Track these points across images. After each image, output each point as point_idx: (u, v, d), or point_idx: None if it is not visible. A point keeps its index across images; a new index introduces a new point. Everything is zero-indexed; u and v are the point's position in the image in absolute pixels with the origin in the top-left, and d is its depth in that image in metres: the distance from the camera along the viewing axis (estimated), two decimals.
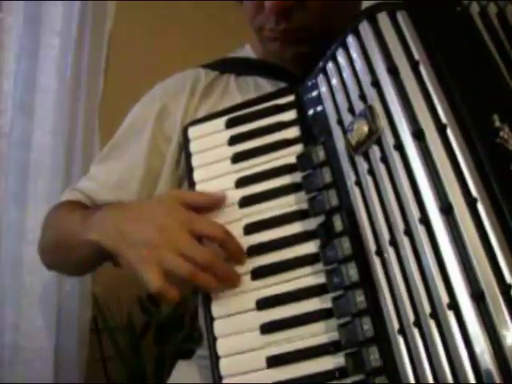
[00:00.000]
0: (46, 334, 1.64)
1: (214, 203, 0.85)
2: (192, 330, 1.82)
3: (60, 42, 1.71)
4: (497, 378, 0.57)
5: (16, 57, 1.68)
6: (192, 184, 0.89)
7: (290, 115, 0.88)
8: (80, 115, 1.75)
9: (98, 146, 1.75)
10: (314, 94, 0.85)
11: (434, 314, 0.62)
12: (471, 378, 0.59)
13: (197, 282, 0.77)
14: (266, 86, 1.03)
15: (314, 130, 0.84)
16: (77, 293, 1.70)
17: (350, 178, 0.75)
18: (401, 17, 0.74)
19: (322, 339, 0.74)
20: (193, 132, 0.93)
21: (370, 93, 0.73)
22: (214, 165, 0.89)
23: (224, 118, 0.92)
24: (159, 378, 1.77)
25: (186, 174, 0.92)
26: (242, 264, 0.80)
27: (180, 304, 1.86)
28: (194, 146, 0.92)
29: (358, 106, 0.75)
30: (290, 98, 0.89)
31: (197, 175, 0.90)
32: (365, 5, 0.88)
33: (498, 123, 0.64)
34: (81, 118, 1.75)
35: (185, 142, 0.93)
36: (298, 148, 0.85)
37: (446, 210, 0.63)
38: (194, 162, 0.91)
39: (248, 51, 1.11)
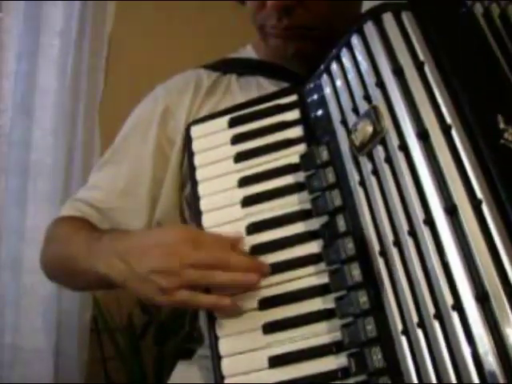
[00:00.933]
0: (45, 334, 1.65)
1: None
2: (192, 330, 1.82)
3: (60, 42, 1.72)
4: (501, 378, 0.57)
5: (16, 57, 1.69)
6: (194, 183, 0.89)
7: (293, 115, 0.88)
8: (80, 115, 1.75)
9: (98, 146, 1.75)
10: (318, 93, 0.85)
11: (438, 315, 0.62)
12: (475, 378, 0.58)
13: (222, 282, 0.76)
14: (268, 86, 1.02)
15: (317, 130, 0.84)
16: (77, 293, 1.70)
17: (354, 178, 0.74)
18: (406, 17, 0.74)
19: (325, 339, 0.74)
20: (195, 131, 0.93)
21: (375, 93, 0.73)
22: (217, 164, 0.89)
23: (227, 117, 0.91)
24: (159, 378, 1.77)
25: (188, 172, 0.92)
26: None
27: None
28: (196, 145, 0.92)
29: (363, 106, 0.75)
30: (293, 98, 0.89)
31: (199, 174, 0.89)
32: (367, 5, 0.88)
33: (502, 124, 0.64)
34: (81, 118, 1.75)
35: (187, 140, 0.93)
36: (301, 148, 0.85)
37: (451, 210, 0.63)
38: (197, 160, 0.90)
39: (250, 51, 1.11)
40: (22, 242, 1.62)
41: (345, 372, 0.71)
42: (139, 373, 1.79)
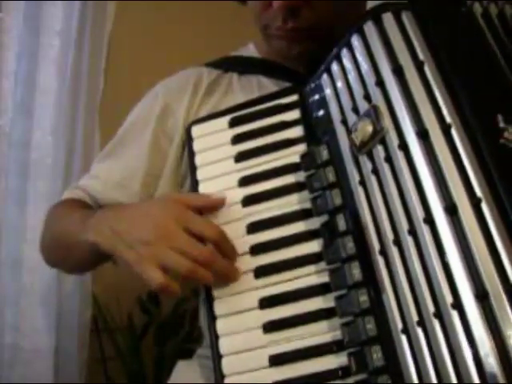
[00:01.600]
0: (46, 334, 1.64)
1: (214, 204, 0.85)
2: (192, 330, 1.83)
3: (60, 42, 1.72)
4: (501, 377, 0.57)
5: (16, 57, 1.69)
6: (195, 183, 0.89)
7: (294, 115, 0.88)
8: (80, 115, 1.75)
9: (98, 146, 1.75)
10: (318, 93, 0.85)
11: (438, 314, 0.62)
12: (475, 378, 0.59)
13: (196, 278, 0.77)
14: (269, 85, 1.02)
15: (317, 130, 0.84)
16: (77, 293, 1.70)
17: (354, 177, 0.74)
18: (406, 17, 0.74)
19: (325, 338, 0.74)
20: (196, 131, 0.93)
21: (375, 93, 0.73)
22: (218, 164, 0.89)
23: (227, 117, 0.91)
24: (159, 378, 1.77)
25: (189, 172, 0.92)
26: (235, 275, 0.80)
27: (180, 304, 1.86)
28: (197, 145, 0.92)
29: (363, 105, 0.75)
30: (294, 98, 0.89)
31: (200, 174, 0.89)
32: (370, 5, 0.88)
33: (502, 124, 0.64)
34: (81, 118, 1.75)
35: (188, 140, 0.93)
36: (301, 147, 0.85)
37: (451, 210, 0.63)
38: (198, 160, 0.91)
39: (251, 50, 1.11)
40: (22, 241, 1.62)
41: (345, 371, 0.71)
42: (139, 373, 1.79)
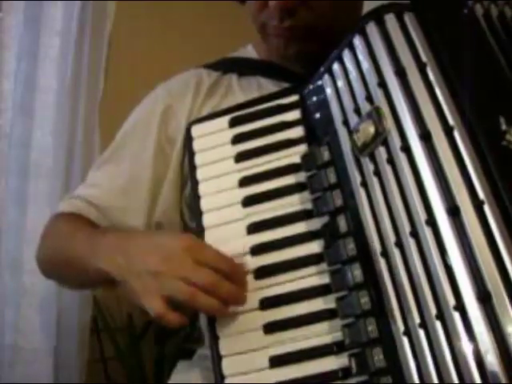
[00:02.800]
0: (46, 334, 1.64)
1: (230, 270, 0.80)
2: (192, 330, 1.82)
3: (60, 42, 1.71)
4: (503, 379, 0.57)
5: (16, 57, 1.68)
6: (195, 182, 0.89)
7: (294, 115, 0.88)
8: (80, 115, 1.74)
9: (98, 146, 1.74)
10: (319, 94, 0.85)
11: (440, 316, 0.62)
12: (477, 379, 0.59)
13: (197, 306, 0.76)
14: (269, 86, 1.02)
15: (318, 131, 0.84)
16: (77, 293, 1.70)
17: (356, 178, 0.74)
18: (408, 18, 0.74)
19: (326, 339, 0.74)
20: (196, 130, 0.93)
21: (377, 94, 0.73)
22: (218, 163, 0.89)
23: (227, 117, 0.91)
24: (159, 378, 1.77)
25: (188, 172, 0.92)
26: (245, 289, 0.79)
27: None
28: (197, 145, 0.92)
29: (365, 107, 0.75)
30: (294, 98, 0.89)
31: (200, 174, 0.89)
32: (371, 5, 0.88)
33: (504, 126, 0.64)
34: (81, 118, 1.74)
35: (188, 140, 0.93)
36: (302, 148, 0.85)
37: (453, 211, 0.63)
38: (198, 160, 0.90)
39: (250, 51, 1.11)
40: (22, 241, 1.62)
41: (346, 372, 0.71)
42: (139, 373, 1.79)
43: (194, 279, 0.75)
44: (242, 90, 1.03)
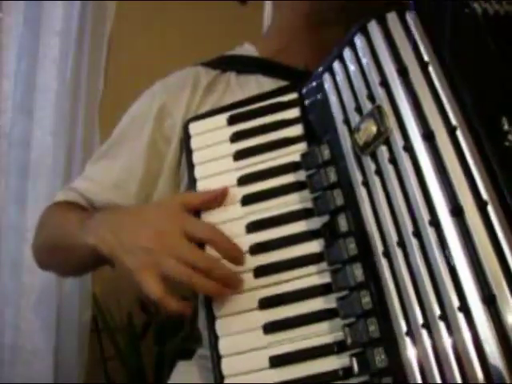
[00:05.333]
0: (45, 334, 1.64)
1: (216, 198, 0.84)
2: (192, 330, 1.82)
3: (60, 42, 1.71)
4: (507, 379, 0.57)
5: (16, 57, 1.69)
6: (193, 181, 0.88)
7: (293, 113, 0.88)
8: (80, 115, 1.75)
9: (98, 146, 1.74)
10: (319, 92, 0.84)
11: (444, 317, 0.62)
12: (481, 379, 0.58)
13: (196, 287, 0.76)
14: (268, 83, 1.02)
15: (317, 129, 0.84)
16: (77, 293, 1.70)
17: (357, 178, 0.74)
18: (410, 17, 0.74)
19: (326, 339, 0.73)
20: (194, 128, 0.93)
21: (379, 93, 0.73)
22: (216, 162, 0.88)
23: (226, 115, 0.91)
24: (159, 378, 1.76)
25: (186, 170, 0.91)
26: (241, 265, 0.79)
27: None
28: (195, 142, 0.91)
29: (366, 105, 0.74)
30: (293, 96, 0.89)
31: (198, 172, 0.89)
32: None
33: (506, 126, 0.64)
34: (81, 118, 1.75)
35: (186, 137, 0.92)
36: (301, 146, 0.85)
37: (457, 212, 0.63)
38: (195, 158, 0.90)
39: (248, 49, 1.11)
40: (22, 241, 1.62)
41: (346, 372, 0.71)
42: (139, 373, 1.78)
43: (191, 260, 0.75)
44: (240, 87, 1.03)
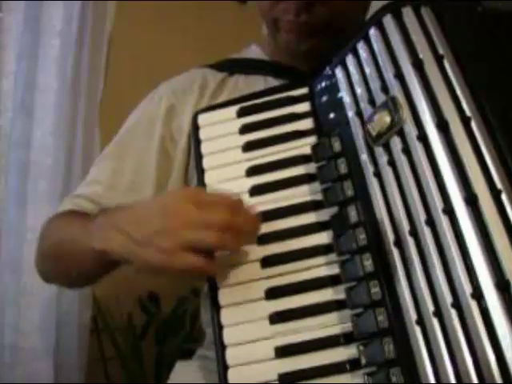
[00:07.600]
0: (45, 334, 1.64)
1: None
2: (192, 330, 1.82)
3: (60, 42, 1.72)
4: None
5: (16, 57, 1.69)
6: (201, 171, 0.88)
7: (304, 107, 0.88)
8: (80, 115, 1.75)
9: (98, 146, 1.75)
10: (331, 86, 0.84)
11: (456, 304, 0.62)
12: (495, 369, 0.58)
13: (227, 247, 0.74)
14: (276, 85, 1.00)
15: (328, 123, 0.84)
16: (77, 293, 1.70)
17: (369, 168, 0.74)
18: (425, 12, 0.74)
19: (333, 330, 0.73)
20: (203, 119, 0.92)
21: (393, 85, 0.73)
22: (224, 153, 0.88)
23: (236, 107, 0.90)
24: (159, 378, 1.76)
25: (194, 161, 0.90)
26: (257, 230, 0.77)
27: (180, 304, 1.86)
28: (203, 133, 0.91)
29: (380, 97, 0.74)
30: (304, 90, 0.89)
31: (206, 162, 0.88)
32: (375, 5, 0.89)
33: None
34: (81, 118, 1.75)
35: (194, 128, 0.92)
36: (311, 140, 0.84)
37: (471, 200, 0.63)
38: (204, 148, 0.89)
39: (256, 51, 1.10)
40: (22, 241, 1.62)
41: (353, 363, 0.70)
42: (139, 373, 1.78)
43: (209, 220, 0.71)
44: (248, 87, 1.02)
